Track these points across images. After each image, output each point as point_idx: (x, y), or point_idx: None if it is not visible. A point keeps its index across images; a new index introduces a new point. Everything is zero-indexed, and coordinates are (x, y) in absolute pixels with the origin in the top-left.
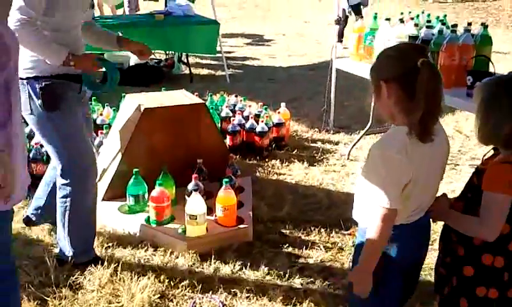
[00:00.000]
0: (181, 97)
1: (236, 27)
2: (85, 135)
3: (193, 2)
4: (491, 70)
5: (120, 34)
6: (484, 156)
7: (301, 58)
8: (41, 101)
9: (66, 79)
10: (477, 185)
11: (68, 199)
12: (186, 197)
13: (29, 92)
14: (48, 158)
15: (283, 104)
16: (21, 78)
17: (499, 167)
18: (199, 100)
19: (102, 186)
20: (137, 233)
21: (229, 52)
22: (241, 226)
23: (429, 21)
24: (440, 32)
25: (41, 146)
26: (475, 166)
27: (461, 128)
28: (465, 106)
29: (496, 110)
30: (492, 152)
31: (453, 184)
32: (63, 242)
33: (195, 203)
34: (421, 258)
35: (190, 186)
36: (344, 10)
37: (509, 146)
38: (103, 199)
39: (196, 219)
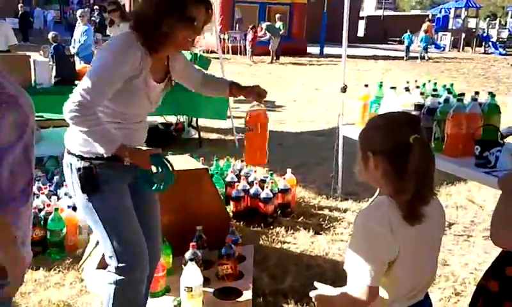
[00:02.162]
0: (184, 162)
1: None
2: (134, 220)
3: (206, 68)
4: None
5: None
6: None
7: (310, 124)
8: (79, 183)
9: (116, 160)
10: None
11: (113, 287)
12: (183, 266)
13: (71, 171)
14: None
15: (289, 170)
16: (69, 153)
17: None
18: (201, 166)
19: (97, 253)
20: None
21: (239, 117)
22: (239, 299)
23: (435, 89)
24: (446, 100)
25: (40, 210)
26: (488, 237)
27: (473, 198)
28: (473, 176)
29: None
30: None
31: (466, 257)
32: None
33: (191, 274)
34: None
35: (187, 255)
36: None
37: None
38: (97, 268)
39: (191, 291)
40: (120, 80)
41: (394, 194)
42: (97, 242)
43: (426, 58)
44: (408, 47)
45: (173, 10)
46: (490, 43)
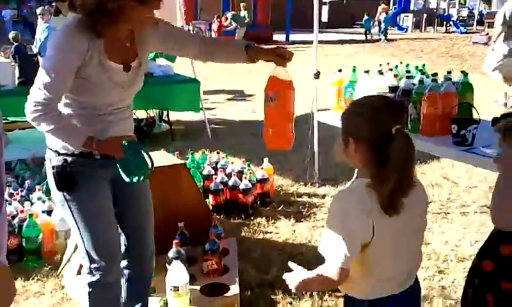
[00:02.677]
0: (160, 158)
1: (217, 84)
2: (108, 220)
3: (173, 61)
4: (475, 116)
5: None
6: None
7: None
8: (54, 180)
9: (91, 157)
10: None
11: (86, 288)
12: (167, 266)
13: (50, 168)
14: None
15: (266, 159)
16: (48, 147)
17: None
18: (178, 161)
19: (76, 257)
20: None
21: (211, 109)
22: (227, 294)
23: (408, 71)
24: (421, 81)
25: (13, 217)
26: (465, 213)
27: (447, 175)
28: (451, 155)
29: None
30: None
31: (445, 234)
32: None
33: (177, 273)
34: None
35: (171, 253)
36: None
37: None
38: (78, 273)
39: (178, 290)
40: (70, 71)
41: (374, 182)
42: (76, 246)
43: (384, 40)
44: (368, 30)
45: None
46: (451, 22)
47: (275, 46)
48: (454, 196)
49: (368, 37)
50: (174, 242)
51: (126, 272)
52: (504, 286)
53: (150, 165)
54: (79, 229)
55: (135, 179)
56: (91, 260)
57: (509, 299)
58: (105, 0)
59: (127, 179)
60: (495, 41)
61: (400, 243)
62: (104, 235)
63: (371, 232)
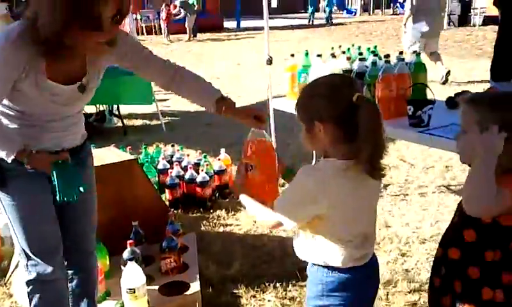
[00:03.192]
0: (109, 155)
1: None
2: (44, 217)
3: None
4: (430, 96)
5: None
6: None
7: (237, 100)
8: None
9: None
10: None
11: (26, 288)
12: (122, 267)
13: None
14: None
15: (223, 150)
16: None
17: None
18: (129, 156)
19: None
20: None
21: (164, 100)
22: (188, 293)
23: (360, 53)
24: (374, 63)
25: None
26: (423, 193)
27: (403, 157)
28: (408, 137)
29: None
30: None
31: (405, 217)
32: None
33: (132, 274)
34: (372, 298)
35: (125, 254)
36: None
37: None
38: None
39: (134, 292)
40: (5, 83)
41: (350, 156)
42: None
43: (328, 24)
44: (312, 13)
45: (73, 18)
46: (398, 4)
47: (251, 107)
48: (411, 178)
49: (315, 22)
50: (128, 242)
51: (69, 272)
52: (471, 272)
53: (81, 189)
54: (12, 225)
55: (64, 198)
56: (27, 257)
57: (477, 285)
58: (63, 36)
59: (56, 197)
60: (405, 24)
61: (363, 216)
62: (39, 230)
63: (325, 209)
